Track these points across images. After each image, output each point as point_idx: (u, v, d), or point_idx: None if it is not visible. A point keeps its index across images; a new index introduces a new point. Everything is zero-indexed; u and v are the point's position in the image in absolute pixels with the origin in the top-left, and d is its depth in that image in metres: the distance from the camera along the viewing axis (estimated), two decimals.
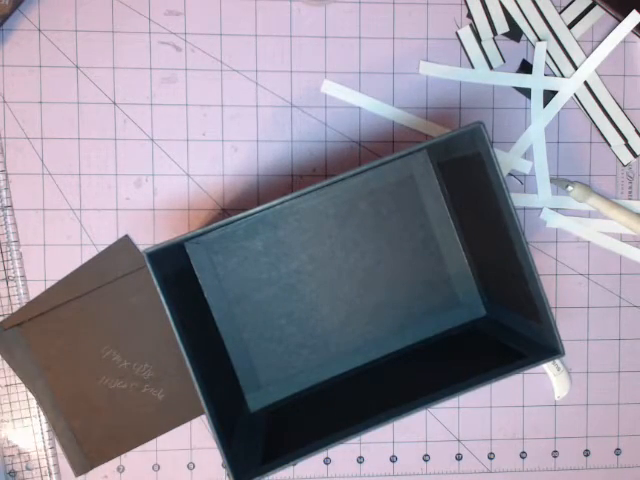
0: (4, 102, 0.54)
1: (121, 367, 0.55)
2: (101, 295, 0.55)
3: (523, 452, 0.59)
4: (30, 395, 0.55)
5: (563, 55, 0.56)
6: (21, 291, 0.55)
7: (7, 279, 0.55)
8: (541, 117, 0.56)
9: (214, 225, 0.43)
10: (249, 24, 0.55)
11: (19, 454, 0.55)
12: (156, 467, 0.56)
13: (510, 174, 0.57)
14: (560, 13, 0.56)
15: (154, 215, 0.56)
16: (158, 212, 0.56)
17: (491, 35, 0.56)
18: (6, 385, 0.55)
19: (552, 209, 0.57)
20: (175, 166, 0.55)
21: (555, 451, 0.59)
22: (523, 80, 0.56)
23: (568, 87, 0.56)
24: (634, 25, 0.55)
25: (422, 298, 0.55)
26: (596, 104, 0.57)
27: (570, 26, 0.56)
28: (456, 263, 0.55)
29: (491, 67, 0.56)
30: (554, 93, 0.56)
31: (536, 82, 0.56)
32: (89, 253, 0.55)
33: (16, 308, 0.55)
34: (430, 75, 0.56)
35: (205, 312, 0.53)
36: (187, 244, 0.53)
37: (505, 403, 0.58)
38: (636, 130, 0.57)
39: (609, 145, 0.57)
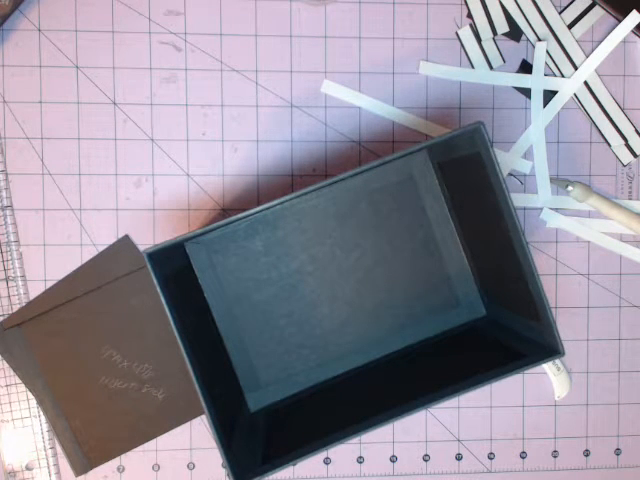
0: (4, 102, 0.54)
1: (121, 367, 0.55)
2: (101, 295, 0.55)
3: (523, 452, 0.59)
4: (30, 395, 0.55)
5: (563, 55, 0.56)
6: (21, 291, 0.55)
7: (7, 279, 0.55)
8: (541, 117, 0.56)
9: (214, 225, 0.43)
10: (249, 24, 0.55)
11: (19, 454, 0.55)
12: (156, 467, 0.56)
13: (510, 174, 0.57)
14: (560, 13, 0.56)
15: (154, 215, 0.56)
16: (158, 212, 0.56)
17: (491, 35, 0.56)
18: (6, 385, 0.55)
19: (552, 209, 0.57)
20: (175, 166, 0.55)
21: (555, 451, 0.59)
22: (523, 80, 0.56)
23: (568, 87, 0.56)
24: (634, 25, 0.55)
25: (422, 298, 0.55)
26: (596, 104, 0.57)
27: (570, 26, 0.56)
28: (456, 263, 0.55)
29: (491, 67, 0.56)
30: (554, 93, 0.56)
31: (536, 82, 0.56)
32: (89, 253, 0.55)
33: (16, 308, 0.55)
34: (430, 75, 0.56)
35: (205, 312, 0.53)
36: (187, 244, 0.53)
37: (505, 403, 0.58)
38: (636, 130, 0.57)
39: (609, 145, 0.57)
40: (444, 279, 0.55)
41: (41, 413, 0.55)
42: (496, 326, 0.53)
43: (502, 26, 0.56)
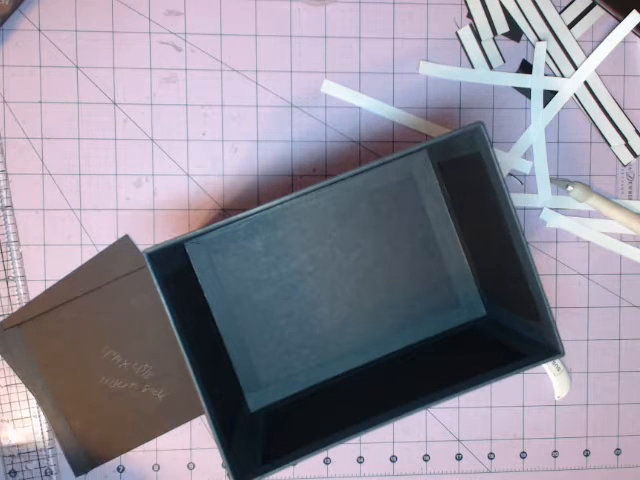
0: (4, 102, 0.54)
1: (121, 367, 0.55)
2: (101, 295, 0.55)
3: (523, 452, 0.59)
4: (30, 395, 0.55)
5: (563, 55, 0.56)
6: (21, 291, 0.55)
7: (7, 279, 0.55)
8: (541, 117, 0.56)
9: (214, 225, 0.43)
10: (249, 24, 0.55)
11: (19, 454, 0.55)
12: (156, 467, 0.56)
13: (510, 174, 0.57)
14: (560, 13, 0.56)
15: (154, 215, 0.56)
16: (158, 212, 0.56)
17: (491, 35, 0.56)
18: (6, 385, 0.55)
19: (552, 209, 0.57)
20: (175, 166, 0.55)
21: (555, 451, 0.59)
22: (523, 80, 0.56)
23: (568, 87, 0.56)
24: (634, 25, 0.55)
25: (422, 298, 0.55)
26: (596, 104, 0.57)
27: (570, 26, 0.56)
28: (456, 263, 0.55)
29: (491, 67, 0.56)
30: (554, 93, 0.56)
31: (536, 82, 0.56)
32: (89, 253, 0.55)
33: (16, 308, 0.55)
34: (430, 75, 0.56)
35: (205, 312, 0.53)
36: (187, 244, 0.53)
37: (505, 403, 0.58)
38: (636, 130, 0.57)
39: (609, 145, 0.57)
40: (444, 279, 0.55)
41: (41, 413, 0.55)
42: (496, 326, 0.53)
43: (502, 26, 0.56)
